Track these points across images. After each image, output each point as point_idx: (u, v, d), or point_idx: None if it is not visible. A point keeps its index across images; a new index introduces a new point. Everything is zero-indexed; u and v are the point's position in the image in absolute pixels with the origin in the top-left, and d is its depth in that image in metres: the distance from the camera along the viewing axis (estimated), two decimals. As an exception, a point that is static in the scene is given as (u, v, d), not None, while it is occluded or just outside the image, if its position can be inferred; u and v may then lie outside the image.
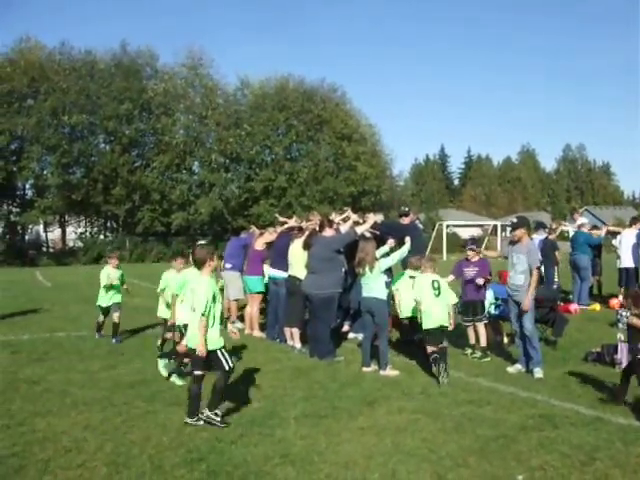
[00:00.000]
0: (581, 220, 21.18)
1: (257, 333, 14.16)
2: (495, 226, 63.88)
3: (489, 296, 12.53)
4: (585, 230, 19.82)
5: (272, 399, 8.80)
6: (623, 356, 10.61)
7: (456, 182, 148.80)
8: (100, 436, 7.21)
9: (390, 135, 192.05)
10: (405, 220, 12.76)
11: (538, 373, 10.15)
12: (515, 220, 10.67)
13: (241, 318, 15.48)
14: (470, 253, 12.09)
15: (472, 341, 11.97)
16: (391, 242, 11.82)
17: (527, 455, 6.64)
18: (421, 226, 14.89)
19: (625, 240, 18.70)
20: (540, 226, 19.42)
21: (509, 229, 11.45)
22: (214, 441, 7.04)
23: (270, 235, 14.47)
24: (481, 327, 11.85)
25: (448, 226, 63.10)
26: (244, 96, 64.09)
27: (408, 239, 11.41)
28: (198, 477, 6.11)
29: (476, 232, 77.59)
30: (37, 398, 8.84)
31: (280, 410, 8.23)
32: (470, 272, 11.89)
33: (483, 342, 11.79)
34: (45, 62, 54.82)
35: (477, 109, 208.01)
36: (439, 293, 10.41)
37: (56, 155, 52.45)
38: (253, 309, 14.36)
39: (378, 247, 11.21)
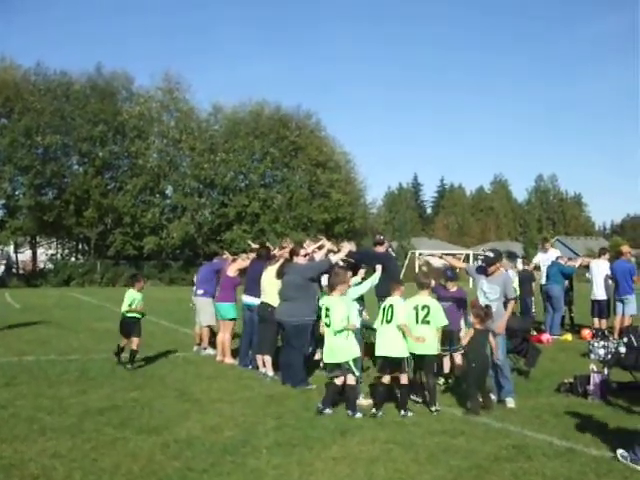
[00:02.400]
0: (553, 251, 21.29)
1: (229, 360, 14.03)
2: (467, 255, 64.05)
3: (463, 326, 12.51)
4: (562, 262, 19.95)
5: (244, 427, 8.69)
6: (596, 387, 10.65)
7: (429, 211, 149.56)
8: (69, 464, 7.06)
9: (364, 163, 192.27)
10: (380, 248, 12.74)
11: (510, 403, 10.15)
12: (491, 255, 10.69)
13: (213, 344, 15.34)
14: (449, 284, 12.12)
15: (446, 370, 11.94)
16: (362, 272, 11.82)
17: (501, 487, 6.60)
18: (394, 254, 14.87)
19: (596, 271, 18.80)
20: (512, 256, 19.49)
21: (481, 261, 11.45)
22: (185, 470, 6.92)
23: (243, 262, 14.40)
24: (457, 357, 11.86)
25: (420, 254, 63.18)
26: (217, 122, 64.07)
27: (379, 267, 11.40)
28: (169, 507, 6.00)
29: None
30: (4, 424, 8.67)
31: (252, 439, 8.12)
32: (446, 303, 11.84)
33: (458, 371, 11.81)
34: (20, 82, 54.76)
35: (450, 139, 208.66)
36: (390, 319, 10.09)
37: (29, 176, 52.17)
38: (225, 336, 14.22)
39: (353, 276, 11.20)
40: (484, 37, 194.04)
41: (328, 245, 12.73)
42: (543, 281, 19.97)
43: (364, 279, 11.45)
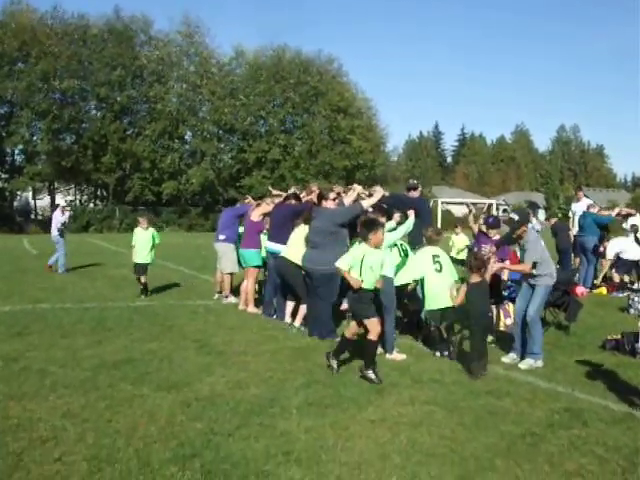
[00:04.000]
0: (585, 200, 20.44)
1: (252, 309, 13.38)
2: (490, 204, 63.15)
3: (504, 277, 11.79)
4: (594, 211, 19.09)
5: (271, 384, 8.01)
6: (645, 345, 9.94)
7: (449, 160, 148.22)
8: (81, 424, 6.42)
9: (384, 111, 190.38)
10: (413, 193, 11.94)
11: (524, 364, 9.31)
12: (516, 217, 9.77)
13: (234, 292, 14.73)
14: (491, 231, 11.39)
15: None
16: (397, 217, 11.06)
17: (559, 457, 5.91)
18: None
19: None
20: (533, 206, 18.74)
21: (504, 222, 10.65)
22: (209, 433, 6.26)
23: (267, 206, 13.64)
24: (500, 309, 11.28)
25: (442, 203, 62.43)
26: (239, 66, 63.37)
27: (412, 212, 10.63)
28: (191, 477, 5.33)
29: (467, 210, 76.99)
30: (13, 378, 8.02)
31: (280, 397, 7.45)
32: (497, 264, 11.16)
33: (502, 325, 11.18)
34: (36, 26, 53.98)
35: (472, 88, 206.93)
36: (440, 268, 9.92)
37: (46, 121, 51.63)
38: (249, 284, 13.54)
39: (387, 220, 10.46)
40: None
41: (359, 189, 11.95)
42: (575, 231, 19.14)
43: (399, 224, 10.69)
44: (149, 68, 56.93)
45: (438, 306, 9.89)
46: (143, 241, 15.53)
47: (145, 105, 58.74)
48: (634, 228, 17.85)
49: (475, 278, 9.13)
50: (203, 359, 9.23)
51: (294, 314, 11.82)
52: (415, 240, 11.12)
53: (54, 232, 20.75)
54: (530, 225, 10.36)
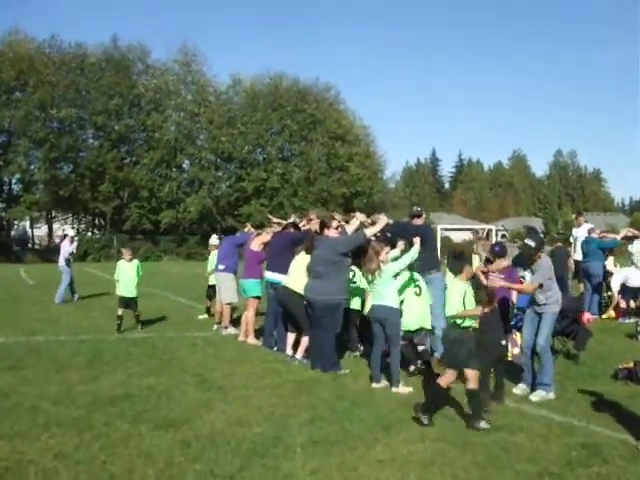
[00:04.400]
0: (585, 225, 20.13)
1: (252, 341, 13.05)
2: (489, 230, 62.90)
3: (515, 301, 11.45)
4: (595, 235, 18.78)
5: (273, 421, 7.67)
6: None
7: (447, 186, 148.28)
8: (74, 467, 6.07)
9: (382, 138, 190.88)
10: (417, 221, 11.65)
11: (536, 396, 8.98)
12: (533, 244, 9.52)
13: (234, 323, 14.40)
14: (498, 260, 11.09)
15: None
16: (401, 245, 10.77)
17: (581, 499, 5.59)
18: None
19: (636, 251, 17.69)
20: (532, 231, 18.41)
21: (519, 249, 10.33)
22: (209, 476, 5.93)
23: (267, 235, 13.35)
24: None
25: (441, 229, 62.18)
26: (236, 94, 63.40)
27: (417, 240, 10.31)
28: (191, 526, 5.01)
29: (467, 236, 77.02)
30: (4, 416, 7.66)
31: (284, 435, 7.11)
32: (497, 280, 10.88)
33: (509, 355, 10.89)
34: (34, 55, 54.16)
35: (469, 113, 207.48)
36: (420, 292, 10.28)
37: (44, 149, 51.60)
38: (250, 314, 13.22)
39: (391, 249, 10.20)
40: (502, 14, 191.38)
41: (362, 218, 11.64)
42: (578, 257, 18.82)
43: (402, 254, 10.40)
44: (147, 97, 57.04)
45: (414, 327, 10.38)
46: (128, 274, 14.83)
47: (143, 134, 58.75)
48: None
49: (488, 309, 8.85)
50: (203, 394, 8.89)
51: (295, 346, 11.47)
52: (420, 269, 10.83)
53: (61, 262, 20.79)
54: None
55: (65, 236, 22.91)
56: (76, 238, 23.31)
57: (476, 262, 15.36)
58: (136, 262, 15.19)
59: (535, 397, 8.97)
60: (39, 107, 51.59)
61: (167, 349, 12.35)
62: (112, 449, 6.61)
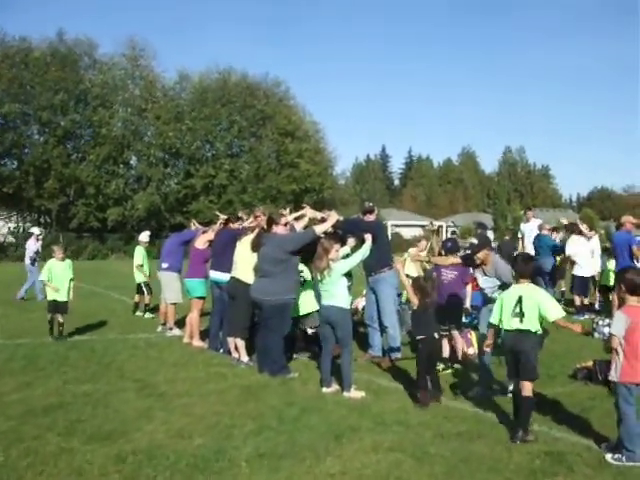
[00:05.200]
0: (534, 221, 19.99)
1: (197, 342, 12.51)
2: (439, 226, 63.02)
3: (468, 301, 11.10)
4: (545, 232, 18.62)
5: (217, 431, 7.16)
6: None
7: (396, 182, 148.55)
8: (-6, 489, 5.56)
9: (332, 134, 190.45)
10: (370, 217, 11.22)
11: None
12: (475, 242, 9.16)
13: (179, 324, 13.88)
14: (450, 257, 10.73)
15: (445, 354, 10.54)
16: (351, 242, 10.32)
17: (547, 514, 5.20)
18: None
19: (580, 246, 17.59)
20: (482, 227, 18.22)
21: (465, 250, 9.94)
22: (144, 497, 5.44)
23: (212, 233, 12.82)
24: (458, 337, 10.61)
25: (391, 225, 62.15)
26: (183, 89, 62.40)
27: (369, 237, 9.86)
28: None
29: (418, 232, 77.27)
30: None
31: (228, 447, 6.61)
32: (449, 275, 10.52)
33: (459, 354, 10.68)
34: (-25, 48, 52.41)
35: (419, 110, 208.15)
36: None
37: (-14, 146, 50.08)
38: (194, 315, 12.69)
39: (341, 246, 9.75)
40: (453, 9, 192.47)
41: (310, 213, 11.18)
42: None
43: (353, 251, 9.97)
44: (93, 92, 55.75)
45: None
46: (61, 275, 13.55)
47: (89, 129, 57.41)
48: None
49: (417, 303, 8.56)
50: (143, 402, 8.35)
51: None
52: (371, 267, 10.42)
53: (27, 261, 21.11)
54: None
55: (30, 235, 22.72)
56: (41, 237, 22.80)
57: (411, 268, 15.21)
58: (69, 262, 13.99)
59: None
60: (-19, 102, 50.30)
61: (107, 352, 11.75)
62: (40, 467, 6.07)
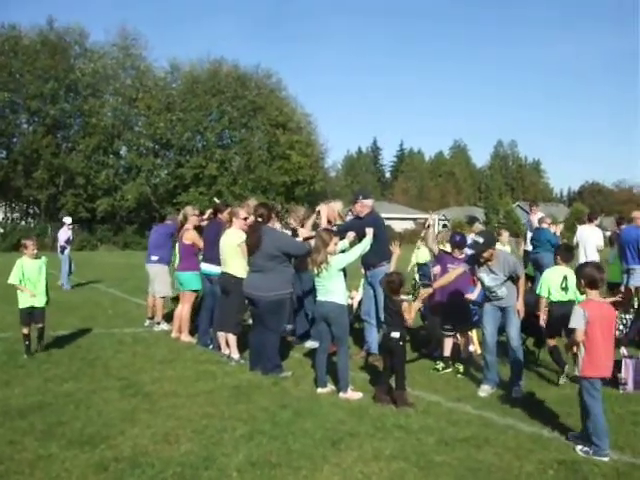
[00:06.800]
0: (536, 214, 19.51)
1: (186, 338, 12.02)
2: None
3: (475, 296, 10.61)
4: (546, 225, 18.13)
5: (206, 436, 6.68)
6: (629, 375, 8.89)
7: (388, 175, 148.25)
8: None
9: (323, 126, 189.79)
10: (367, 202, 10.67)
11: (517, 393, 8.48)
12: (480, 240, 8.70)
13: (167, 318, 13.43)
14: (457, 251, 10.25)
15: (447, 353, 10.08)
16: (351, 235, 9.82)
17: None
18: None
19: (585, 238, 17.01)
20: (473, 220, 17.77)
21: (469, 248, 9.48)
22: (126, 511, 4.97)
23: (192, 232, 12.32)
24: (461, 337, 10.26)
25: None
26: (174, 80, 61.89)
27: (370, 230, 9.37)
28: None
29: (409, 225, 77.00)
30: None
31: (217, 454, 6.14)
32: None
33: (465, 352, 10.49)
34: (-36, 36, 51.80)
35: (410, 103, 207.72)
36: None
37: (-27, 135, 49.52)
38: (184, 309, 12.19)
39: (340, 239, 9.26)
40: (444, 3, 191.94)
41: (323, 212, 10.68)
42: (528, 247, 18.21)
43: (352, 245, 9.47)
44: (84, 81, 55.25)
45: None
46: (34, 274, 10.91)
47: (79, 119, 56.93)
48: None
49: (394, 297, 8.31)
50: (127, 403, 7.86)
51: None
52: (370, 261, 9.97)
53: (59, 249, 21.89)
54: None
55: (63, 224, 22.75)
56: (70, 226, 22.85)
57: (425, 253, 14.65)
58: (44, 259, 11.22)
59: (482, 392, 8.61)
60: (-31, 90, 49.71)
61: (92, 348, 11.24)
62: (14, 477, 5.58)
